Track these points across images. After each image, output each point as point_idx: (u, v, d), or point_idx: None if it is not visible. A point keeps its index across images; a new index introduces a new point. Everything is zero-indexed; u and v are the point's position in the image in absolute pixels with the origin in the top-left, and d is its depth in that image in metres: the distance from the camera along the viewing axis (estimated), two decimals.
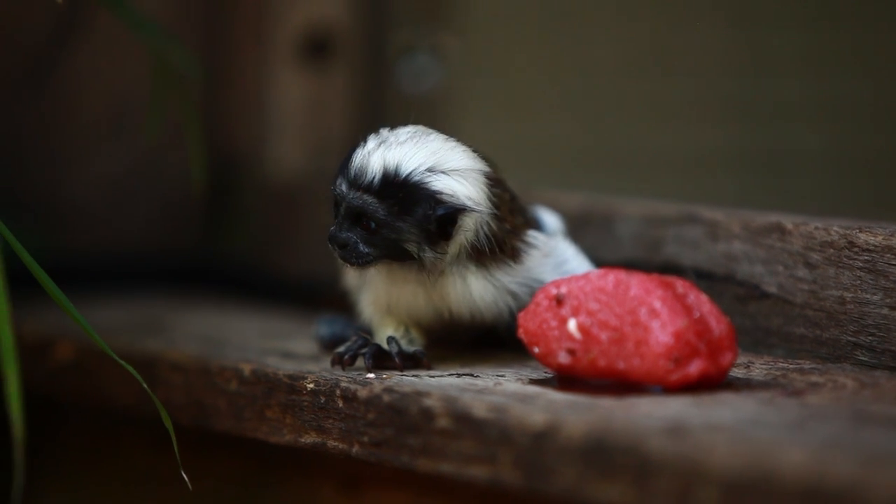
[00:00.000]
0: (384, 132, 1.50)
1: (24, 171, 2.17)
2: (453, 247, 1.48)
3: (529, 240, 1.53)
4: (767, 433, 1.22)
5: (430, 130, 1.50)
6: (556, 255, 1.54)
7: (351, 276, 1.60)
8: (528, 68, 2.36)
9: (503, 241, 1.50)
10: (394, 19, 2.32)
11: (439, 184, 1.47)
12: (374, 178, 1.46)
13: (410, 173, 1.46)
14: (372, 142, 1.48)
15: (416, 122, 1.52)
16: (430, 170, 1.47)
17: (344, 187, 1.47)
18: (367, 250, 1.47)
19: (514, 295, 1.51)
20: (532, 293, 1.48)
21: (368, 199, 1.46)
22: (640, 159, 2.27)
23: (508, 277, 1.51)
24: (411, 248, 1.47)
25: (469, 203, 1.47)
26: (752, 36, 2.26)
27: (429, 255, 1.47)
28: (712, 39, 2.26)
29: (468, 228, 1.48)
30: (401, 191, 1.46)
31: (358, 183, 1.47)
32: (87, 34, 2.19)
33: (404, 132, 1.49)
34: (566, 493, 1.26)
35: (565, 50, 2.33)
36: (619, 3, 2.31)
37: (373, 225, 1.47)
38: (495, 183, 1.51)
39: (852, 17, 2.26)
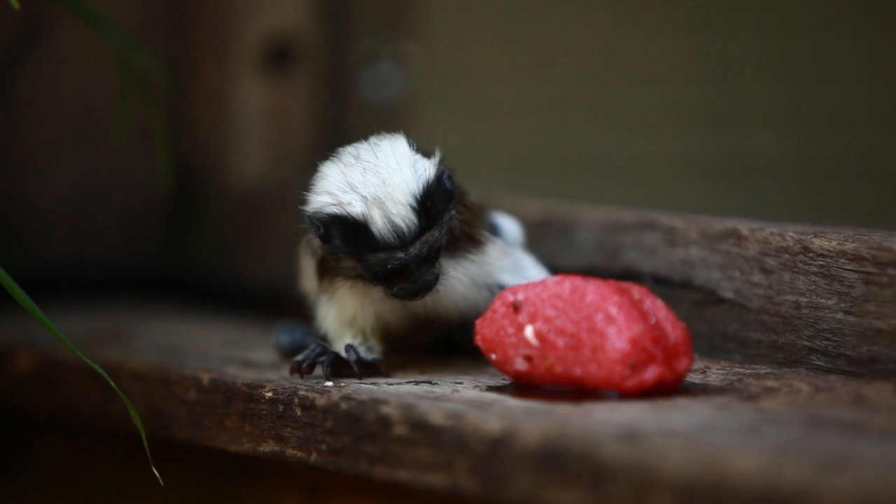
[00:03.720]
0: (337, 182, 1.45)
1: None
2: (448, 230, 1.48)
3: (487, 234, 1.54)
4: (722, 438, 1.23)
5: (359, 148, 1.48)
6: (513, 257, 1.55)
7: (309, 281, 1.59)
8: (489, 75, 2.36)
9: (470, 230, 1.50)
10: (355, 28, 2.33)
11: (441, 178, 1.46)
12: (413, 226, 1.43)
13: (426, 192, 1.43)
14: (361, 200, 1.43)
15: (378, 131, 1.52)
16: (430, 181, 1.44)
17: (400, 254, 1.43)
18: (439, 271, 1.46)
19: (478, 286, 1.52)
20: (491, 285, 1.51)
21: (429, 239, 1.44)
22: (602, 166, 2.28)
23: (476, 267, 1.51)
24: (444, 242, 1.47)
25: (456, 187, 1.48)
26: (712, 43, 2.27)
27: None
28: (672, 46, 2.27)
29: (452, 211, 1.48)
30: (431, 210, 1.44)
31: (408, 238, 1.43)
32: (49, 41, 2.19)
33: (358, 171, 1.45)
34: (523, 500, 1.26)
35: (526, 57, 2.34)
36: (580, 10, 2.32)
37: (437, 252, 1.45)
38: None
39: (812, 23, 2.27)
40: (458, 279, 1.50)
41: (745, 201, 2.21)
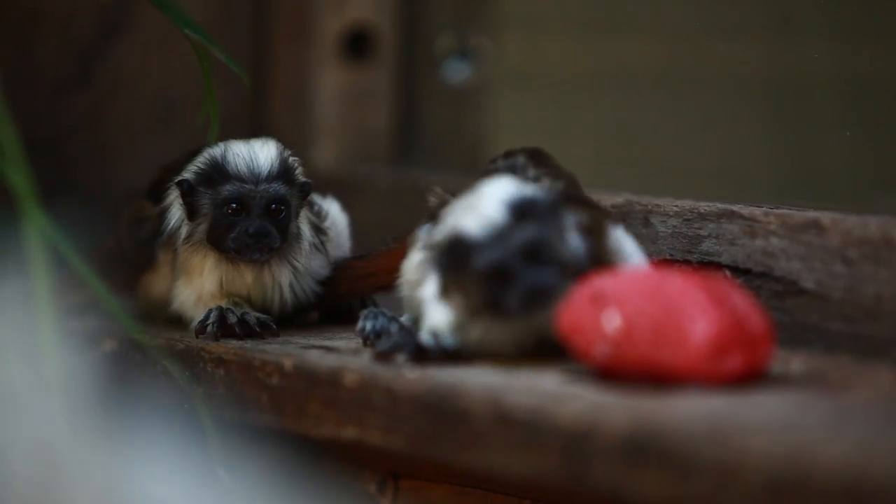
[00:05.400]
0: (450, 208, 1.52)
1: (73, 164, 2.20)
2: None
3: (614, 246, 1.55)
4: (806, 431, 1.23)
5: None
6: (625, 254, 1.56)
7: (408, 286, 1.59)
8: (564, 71, 2.37)
9: (599, 253, 1.52)
10: (432, 23, 2.34)
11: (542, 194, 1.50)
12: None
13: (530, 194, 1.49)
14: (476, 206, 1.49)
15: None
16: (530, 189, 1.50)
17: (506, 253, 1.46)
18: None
19: None
20: None
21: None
22: (672, 168, 2.28)
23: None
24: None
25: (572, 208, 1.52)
26: (788, 49, 2.26)
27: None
28: (748, 52, 2.25)
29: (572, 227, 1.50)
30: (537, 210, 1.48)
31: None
32: (133, 29, 2.22)
33: (464, 198, 1.51)
34: (606, 489, 1.27)
35: (602, 50, 2.34)
36: (657, 13, 2.31)
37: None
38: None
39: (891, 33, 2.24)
40: None
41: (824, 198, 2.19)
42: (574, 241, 1.48)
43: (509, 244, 1.45)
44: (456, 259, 1.47)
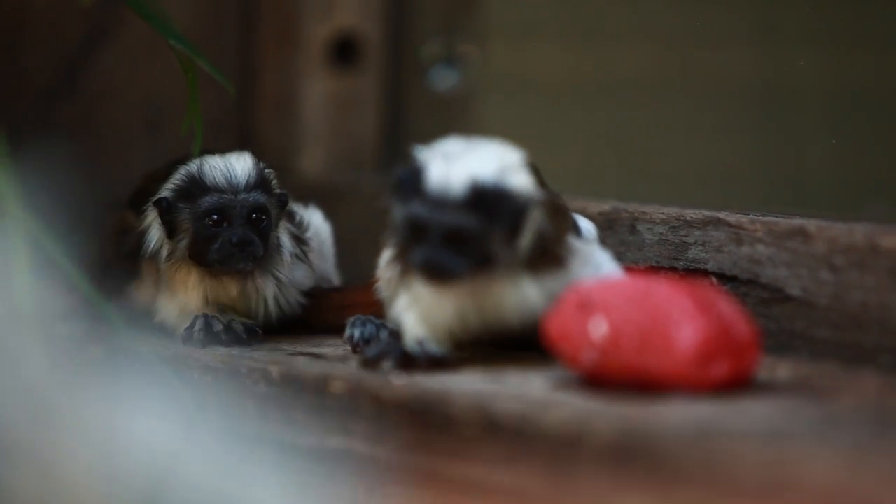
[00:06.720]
0: (433, 148, 1.50)
1: (60, 171, 2.19)
2: (524, 240, 1.49)
3: (571, 246, 1.54)
4: (792, 437, 1.23)
5: (471, 138, 1.52)
6: (593, 261, 1.55)
7: (385, 287, 1.59)
8: (550, 78, 2.37)
9: (552, 245, 1.51)
10: (419, 30, 2.35)
11: (515, 182, 1.47)
12: (461, 194, 1.46)
13: (492, 181, 1.46)
14: (435, 158, 1.48)
15: (440, 129, 1.54)
16: (502, 172, 1.47)
17: (424, 209, 1.47)
18: (459, 265, 1.46)
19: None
20: None
21: (460, 217, 1.46)
22: (660, 173, 2.28)
23: (557, 283, 1.51)
24: (494, 249, 1.47)
25: (536, 195, 1.49)
26: (775, 56, 2.27)
27: (506, 252, 1.48)
28: (734, 58, 2.26)
29: (535, 220, 1.49)
30: (487, 199, 1.46)
31: (443, 202, 1.46)
32: (121, 34, 2.22)
33: (454, 144, 1.50)
34: (592, 498, 1.27)
35: (589, 57, 2.34)
36: (646, 20, 2.32)
37: (468, 241, 1.46)
38: (541, 180, 1.54)
39: (875, 41, 2.25)
40: (541, 293, 1.50)
41: (810, 206, 2.20)
42: (525, 241, 1.48)
43: (439, 217, 1.46)
44: (411, 187, 1.48)
